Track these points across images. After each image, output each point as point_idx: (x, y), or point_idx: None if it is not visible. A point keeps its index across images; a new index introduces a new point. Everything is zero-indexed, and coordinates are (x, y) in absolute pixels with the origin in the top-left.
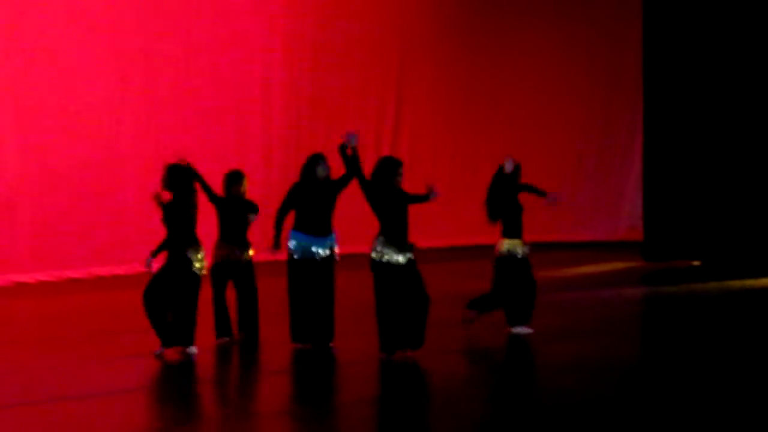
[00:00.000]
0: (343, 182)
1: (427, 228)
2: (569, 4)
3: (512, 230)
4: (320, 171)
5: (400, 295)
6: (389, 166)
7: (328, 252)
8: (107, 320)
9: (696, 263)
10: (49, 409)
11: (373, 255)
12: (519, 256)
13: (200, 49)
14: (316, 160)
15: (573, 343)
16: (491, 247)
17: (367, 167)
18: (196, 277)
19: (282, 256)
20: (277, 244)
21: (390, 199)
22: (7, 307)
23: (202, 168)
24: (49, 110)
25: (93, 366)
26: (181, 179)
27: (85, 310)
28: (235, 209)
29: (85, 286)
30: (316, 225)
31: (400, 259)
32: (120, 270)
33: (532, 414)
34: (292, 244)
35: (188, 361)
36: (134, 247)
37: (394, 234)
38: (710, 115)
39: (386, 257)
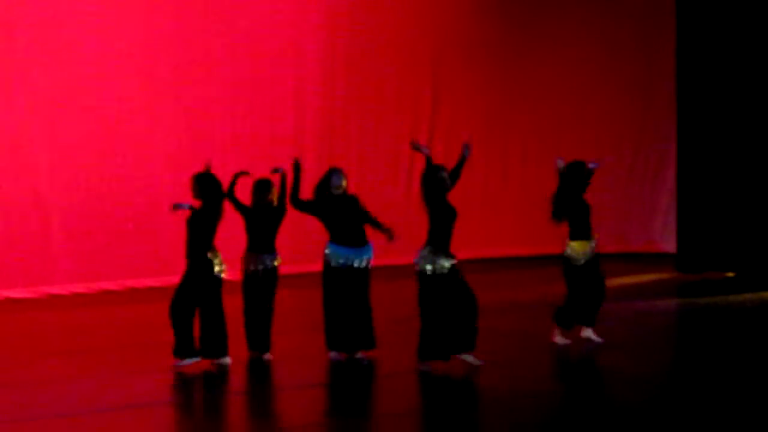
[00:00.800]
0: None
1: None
2: (603, 13)
3: (579, 231)
4: (335, 186)
5: (449, 301)
6: (441, 178)
7: (365, 262)
8: (140, 332)
9: (730, 275)
10: (79, 422)
11: (422, 266)
12: (581, 262)
13: (234, 57)
14: (330, 175)
15: (608, 355)
16: (526, 258)
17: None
18: (218, 280)
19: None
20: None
21: (443, 209)
22: (40, 319)
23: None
24: (82, 121)
25: (124, 378)
26: (209, 188)
27: (119, 322)
28: (263, 218)
29: (118, 298)
30: (352, 236)
31: (447, 264)
32: (154, 282)
33: (571, 425)
34: (328, 252)
35: (221, 373)
36: (168, 259)
37: (443, 243)
38: (745, 126)
39: (437, 266)
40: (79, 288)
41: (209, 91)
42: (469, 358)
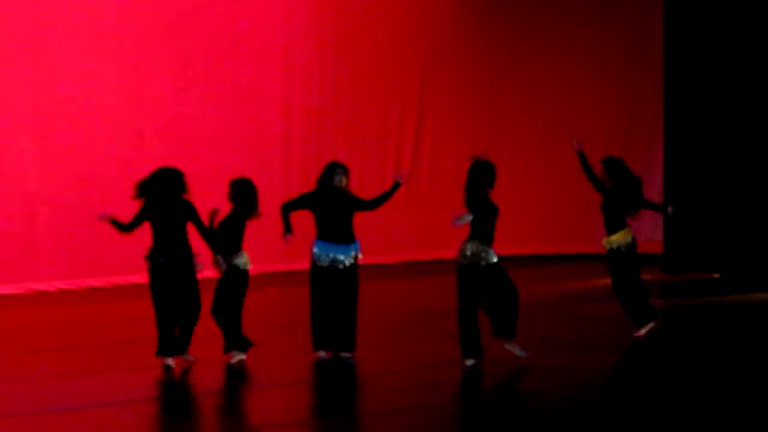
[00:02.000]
0: (367, 206)
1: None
2: (591, 17)
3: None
4: (337, 180)
5: (495, 292)
6: (490, 174)
7: (351, 260)
8: (126, 329)
9: (716, 276)
10: (65, 418)
11: (471, 258)
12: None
13: (223, 59)
14: (333, 168)
15: (592, 356)
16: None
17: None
18: (244, 274)
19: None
20: (288, 228)
21: (485, 205)
22: (26, 316)
23: (223, 178)
24: (70, 118)
25: (109, 375)
26: (246, 193)
27: (105, 319)
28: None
29: (104, 294)
30: (338, 233)
31: (495, 257)
32: (139, 279)
33: (551, 427)
34: (315, 251)
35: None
36: None
37: (487, 236)
38: (731, 128)
39: (488, 258)
40: (65, 284)
41: (197, 92)
42: (515, 348)
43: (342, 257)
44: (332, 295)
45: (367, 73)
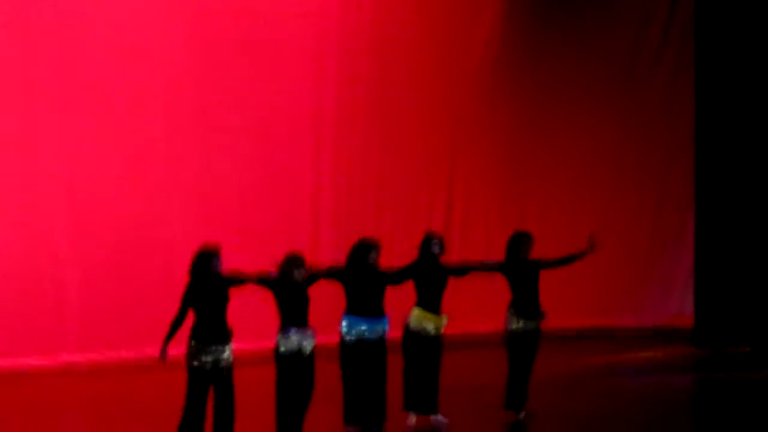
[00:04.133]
0: (397, 279)
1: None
2: (622, 74)
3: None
4: (372, 258)
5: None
6: (522, 242)
7: (380, 335)
8: (157, 402)
9: (746, 349)
10: None
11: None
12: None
13: (254, 106)
14: (368, 248)
15: (622, 431)
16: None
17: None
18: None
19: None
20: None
21: (521, 269)
22: (55, 388)
23: (251, 245)
24: (99, 187)
25: None
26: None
27: (137, 392)
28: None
29: (136, 366)
30: (369, 307)
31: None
32: (172, 351)
33: None
34: (345, 324)
35: None
36: (185, 327)
37: (525, 303)
38: (764, 199)
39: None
40: (95, 356)
41: (226, 150)
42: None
43: (372, 331)
44: (364, 369)
45: (398, 132)
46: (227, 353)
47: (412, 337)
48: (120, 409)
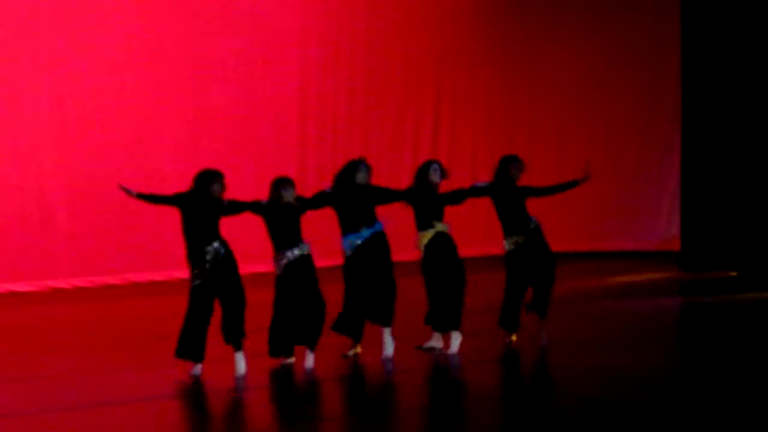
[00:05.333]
0: (386, 196)
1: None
2: (608, 15)
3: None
4: (360, 177)
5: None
6: (510, 162)
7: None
8: (143, 327)
9: (733, 274)
10: (82, 416)
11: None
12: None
13: (238, 58)
14: (356, 166)
15: (610, 354)
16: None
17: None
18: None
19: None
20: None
21: (508, 193)
22: (42, 314)
23: (241, 177)
24: (87, 116)
25: (126, 373)
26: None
27: (122, 317)
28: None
29: (122, 292)
30: (361, 224)
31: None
32: (157, 276)
33: (570, 425)
34: (346, 245)
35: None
36: (172, 253)
37: (510, 225)
38: (750, 125)
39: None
40: (82, 282)
41: (212, 90)
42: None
43: (360, 238)
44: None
45: (382, 72)
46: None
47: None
48: (104, 331)
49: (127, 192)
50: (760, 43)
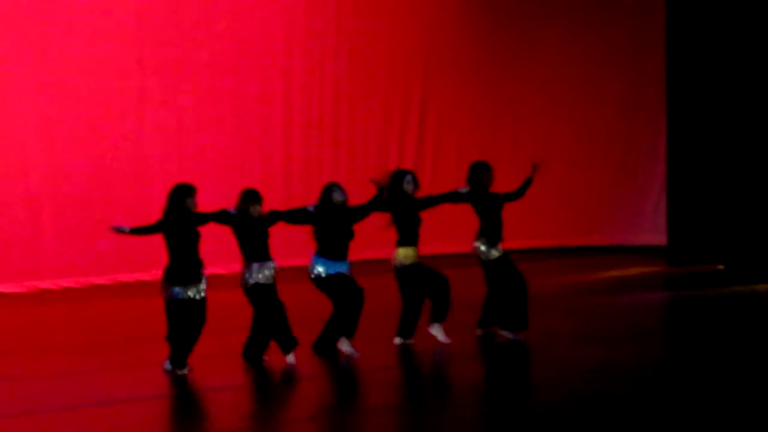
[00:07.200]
0: (362, 213)
1: (446, 233)
2: (593, 13)
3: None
4: (336, 196)
5: (504, 284)
6: (483, 170)
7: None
8: (131, 327)
9: (720, 267)
10: (71, 416)
11: (483, 255)
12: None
13: (224, 60)
14: (331, 187)
15: (598, 348)
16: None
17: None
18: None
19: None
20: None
21: (487, 201)
22: (31, 314)
23: (225, 183)
24: (74, 117)
25: (115, 373)
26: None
27: (109, 317)
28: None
29: (109, 292)
30: (337, 250)
31: (496, 253)
32: (145, 276)
33: (557, 419)
34: (320, 268)
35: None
36: (159, 254)
37: (494, 233)
38: (735, 119)
39: (492, 255)
40: (69, 282)
41: (198, 92)
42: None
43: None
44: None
45: (369, 72)
46: (202, 287)
47: (404, 272)
48: (91, 331)
49: (122, 231)
50: (742, 43)
